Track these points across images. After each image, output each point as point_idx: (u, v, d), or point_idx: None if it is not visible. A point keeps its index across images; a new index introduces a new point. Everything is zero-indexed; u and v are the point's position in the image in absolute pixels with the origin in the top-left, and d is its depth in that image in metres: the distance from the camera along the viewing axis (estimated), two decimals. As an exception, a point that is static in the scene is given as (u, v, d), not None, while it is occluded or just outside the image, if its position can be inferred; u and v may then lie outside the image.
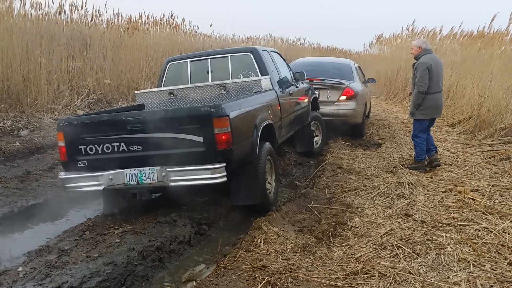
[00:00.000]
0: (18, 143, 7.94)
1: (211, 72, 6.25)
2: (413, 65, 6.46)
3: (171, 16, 15.91)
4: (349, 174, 6.52)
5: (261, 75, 5.99)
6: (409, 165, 6.62)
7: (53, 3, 11.74)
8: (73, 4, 11.79)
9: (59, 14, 11.40)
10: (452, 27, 15.08)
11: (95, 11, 12.66)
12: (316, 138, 8.03)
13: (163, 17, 15.64)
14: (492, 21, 11.84)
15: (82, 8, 12.06)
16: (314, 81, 8.42)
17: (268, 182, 5.26)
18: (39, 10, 11.00)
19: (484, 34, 12.53)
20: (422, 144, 6.47)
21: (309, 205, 5.20)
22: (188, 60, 6.40)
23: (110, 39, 12.65)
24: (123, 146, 4.47)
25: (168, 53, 14.14)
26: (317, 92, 8.35)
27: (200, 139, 4.29)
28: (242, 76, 6.11)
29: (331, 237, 4.21)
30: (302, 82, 7.45)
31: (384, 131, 9.59)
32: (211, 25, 23.79)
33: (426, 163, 6.59)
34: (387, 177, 6.14)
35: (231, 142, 4.29)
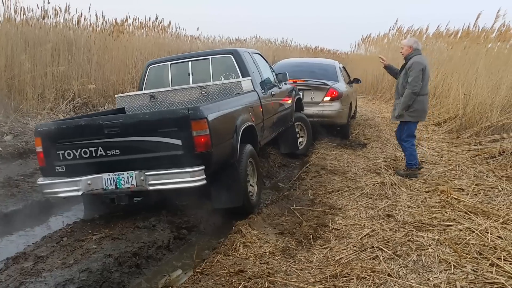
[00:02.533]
0: (1, 148, 7.82)
1: (192, 74, 6.20)
2: (404, 65, 6.17)
3: (157, 18, 15.84)
4: (333, 175, 6.48)
5: (242, 76, 5.94)
6: (399, 172, 6.27)
7: (38, 7, 11.60)
8: (57, 8, 11.69)
9: (43, 18, 11.27)
10: (438, 26, 15.17)
11: (80, 15, 12.55)
12: (300, 139, 8.00)
13: (149, 20, 15.57)
14: (477, 19, 11.90)
15: (66, 12, 11.94)
16: (297, 82, 8.39)
17: (250, 185, 5.22)
18: (23, 15, 10.87)
19: (469, 32, 12.57)
20: (411, 149, 6.19)
21: (291, 207, 5.16)
22: (169, 63, 6.35)
23: (95, 43, 12.54)
24: (101, 151, 4.41)
25: (155, 55, 14.05)
26: (301, 93, 8.31)
27: (179, 142, 4.24)
28: (223, 78, 6.06)
29: (311, 240, 4.16)
30: (285, 83, 7.41)
31: (370, 131, 9.59)
32: (198, 28, 23.76)
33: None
34: (371, 178, 6.11)
35: (210, 145, 4.24)
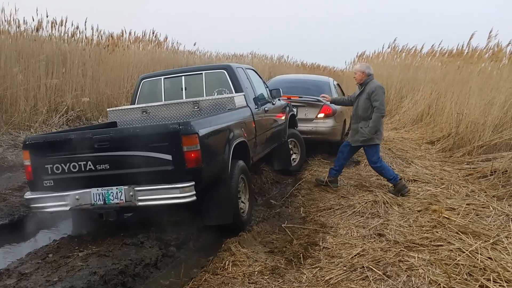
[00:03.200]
0: (-10, 161, 7.75)
1: (185, 89, 6.19)
2: (361, 90, 6.31)
3: (153, 33, 15.89)
4: (325, 192, 6.44)
5: (235, 92, 5.92)
6: (392, 192, 6.24)
7: (33, 20, 11.59)
8: (54, 21, 11.68)
9: (37, 31, 11.25)
10: (433, 45, 15.31)
11: (75, 28, 12.55)
12: (294, 156, 7.96)
13: (145, 34, 15.62)
14: (470, 39, 12.04)
15: (62, 25, 11.94)
16: (292, 98, 8.38)
17: (242, 201, 5.16)
18: (17, 27, 10.85)
19: (463, 52, 12.69)
20: (384, 165, 6.38)
21: (282, 225, 5.10)
22: (162, 77, 6.33)
23: (90, 56, 12.54)
24: (90, 165, 4.34)
25: (150, 69, 14.06)
26: (295, 110, 8.30)
27: (169, 157, 4.20)
28: (216, 93, 6.04)
29: (301, 259, 4.10)
30: (279, 99, 7.40)
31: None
32: (195, 44, 23.85)
33: (327, 180, 6.60)
34: (363, 196, 6.07)
35: (200, 160, 4.19)
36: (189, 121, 4.29)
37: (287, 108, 7.79)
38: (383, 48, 19.15)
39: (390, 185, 6.46)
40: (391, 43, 18.27)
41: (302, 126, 8.39)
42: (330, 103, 7.29)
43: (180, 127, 4.15)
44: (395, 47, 18.00)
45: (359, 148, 6.67)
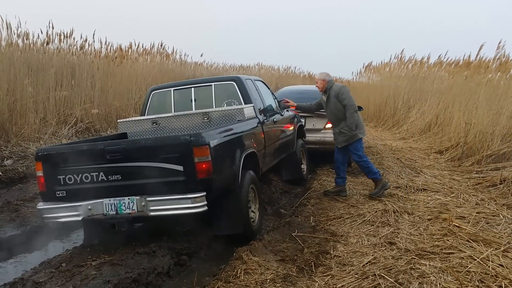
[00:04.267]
0: (1, 173, 7.82)
1: (195, 100, 6.25)
2: (327, 97, 6.60)
3: (161, 45, 16.05)
4: (335, 201, 6.45)
5: (245, 103, 5.98)
6: (373, 193, 6.48)
7: (41, 32, 11.75)
8: (62, 34, 11.84)
9: (47, 44, 11.41)
10: (440, 55, 15.27)
11: (84, 40, 12.71)
12: (302, 166, 7.98)
13: (153, 46, 15.78)
14: (479, 50, 11.99)
15: (70, 37, 12.10)
16: None
17: (252, 211, 5.19)
18: (26, 39, 11.00)
19: (470, 62, 12.70)
20: (369, 163, 6.60)
21: (293, 234, 5.12)
22: (172, 89, 6.40)
23: (98, 68, 12.68)
24: (102, 176, 4.41)
25: (158, 81, 14.19)
26: (303, 120, 8.35)
27: (180, 168, 4.25)
28: (225, 105, 6.10)
29: (313, 267, 4.12)
30: (287, 110, 7.45)
31: (372, 158, 9.55)
32: (202, 55, 24.01)
33: (337, 189, 6.73)
34: (373, 205, 6.08)
35: (211, 171, 4.24)
36: (200, 132, 4.36)
37: (295, 119, 7.83)
38: (390, 58, 19.18)
39: (400, 194, 6.48)
40: (398, 54, 18.31)
41: (310, 136, 8.44)
42: (295, 109, 7.43)
43: (192, 138, 4.21)
44: (402, 58, 18.05)
45: (356, 144, 6.66)
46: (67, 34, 11.94)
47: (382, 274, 3.81)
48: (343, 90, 6.45)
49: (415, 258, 4.14)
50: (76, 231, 5.68)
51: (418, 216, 5.54)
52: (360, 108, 10.40)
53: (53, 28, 11.50)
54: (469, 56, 12.75)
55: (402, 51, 18.25)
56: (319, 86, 6.63)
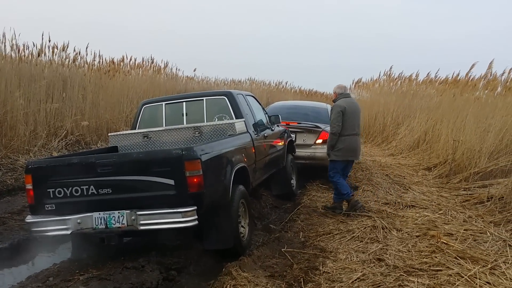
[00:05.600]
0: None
1: (186, 115, 6.28)
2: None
3: (152, 59, 16.11)
4: (324, 217, 6.48)
5: (236, 118, 6.02)
6: (345, 211, 6.54)
7: (34, 45, 11.75)
8: (55, 46, 11.85)
9: (39, 55, 11.40)
10: (428, 73, 15.44)
11: (77, 53, 12.73)
12: (292, 181, 8.01)
13: (145, 60, 15.85)
14: (471, 69, 12.06)
15: (63, 50, 12.11)
16: (290, 124, 8.50)
17: (242, 226, 5.19)
18: (19, 52, 11.00)
19: (458, 80, 12.87)
20: (340, 181, 6.56)
21: (282, 249, 5.13)
22: (163, 103, 6.43)
23: (90, 81, 12.68)
24: (92, 189, 4.38)
25: (150, 94, 14.22)
26: (293, 135, 8.41)
27: (171, 182, 4.25)
28: (216, 119, 6.13)
29: (302, 283, 4.13)
30: (278, 125, 7.51)
31: (362, 174, 9.61)
32: (195, 70, 24.07)
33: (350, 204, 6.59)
34: (362, 221, 6.11)
35: (202, 185, 4.25)
36: (192, 146, 4.38)
37: (286, 134, 7.88)
38: (379, 75, 19.39)
39: (388, 210, 6.52)
40: (387, 70, 18.51)
41: (300, 152, 8.49)
42: None
43: (183, 152, 4.22)
44: (391, 75, 18.26)
45: (344, 163, 6.70)
46: (62, 47, 11.96)
47: (371, 291, 3.83)
48: (334, 109, 6.54)
49: (404, 275, 4.17)
50: (64, 244, 5.63)
51: (406, 232, 5.57)
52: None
53: (49, 40, 11.55)
54: (458, 74, 12.93)
55: (391, 68, 18.39)
56: (333, 99, 6.81)
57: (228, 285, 3.98)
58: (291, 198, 7.88)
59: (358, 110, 6.71)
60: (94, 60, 13.58)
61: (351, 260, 4.73)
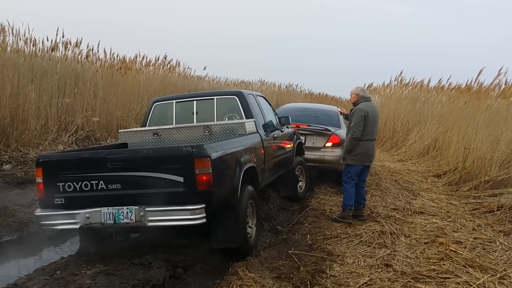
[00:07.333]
0: (-1, 177, 7.82)
1: (196, 113, 6.28)
2: (351, 110, 6.58)
3: (165, 58, 16.14)
4: (332, 220, 6.45)
5: (246, 118, 6.02)
6: (336, 216, 6.46)
7: (47, 40, 11.82)
8: (69, 41, 11.92)
9: (52, 51, 11.47)
10: (440, 79, 15.29)
11: (90, 49, 12.79)
12: (300, 183, 7.99)
13: (158, 58, 15.88)
14: (478, 75, 12.06)
15: (76, 46, 12.17)
16: (300, 126, 8.48)
17: (249, 226, 5.18)
18: (33, 46, 11.07)
19: (470, 88, 12.75)
20: (350, 190, 6.39)
21: (289, 251, 5.11)
22: (174, 101, 6.44)
23: (102, 77, 12.74)
24: (102, 184, 4.39)
25: (161, 92, 14.25)
26: (303, 138, 8.38)
27: (181, 179, 4.25)
28: (227, 118, 6.13)
29: (309, 286, 4.10)
30: (287, 127, 7.49)
31: (370, 179, 9.56)
32: (205, 68, 24.04)
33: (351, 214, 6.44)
34: (370, 226, 6.08)
35: (211, 183, 4.25)
36: (202, 144, 4.37)
37: (295, 136, 7.87)
38: (390, 80, 19.28)
39: (397, 216, 6.48)
40: (397, 76, 18.37)
41: (309, 154, 8.45)
42: (344, 117, 7.59)
43: (193, 150, 4.22)
44: (402, 80, 18.13)
45: (359, 167, 6.51)
46: (76, 43, 12.03)
47: (378, 296, 3.80)
48: (356, 113, 6.32)
49: (411, 282, 4.14)
50: (71, 238, 5.66)
51: (415, 239, 5.53)
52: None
53: (63, 36, 11.61)
54: (471, 81, 12.83)
55: (401, 73, 18.24)
56: (351, 100, 6.65)
57: (235, 285, 3.97)
58: (298, 200, 7.85)
59: (378, 116, 6.62)
60: (107, 57, 13.65)
61: (358, 264, 4.70)
